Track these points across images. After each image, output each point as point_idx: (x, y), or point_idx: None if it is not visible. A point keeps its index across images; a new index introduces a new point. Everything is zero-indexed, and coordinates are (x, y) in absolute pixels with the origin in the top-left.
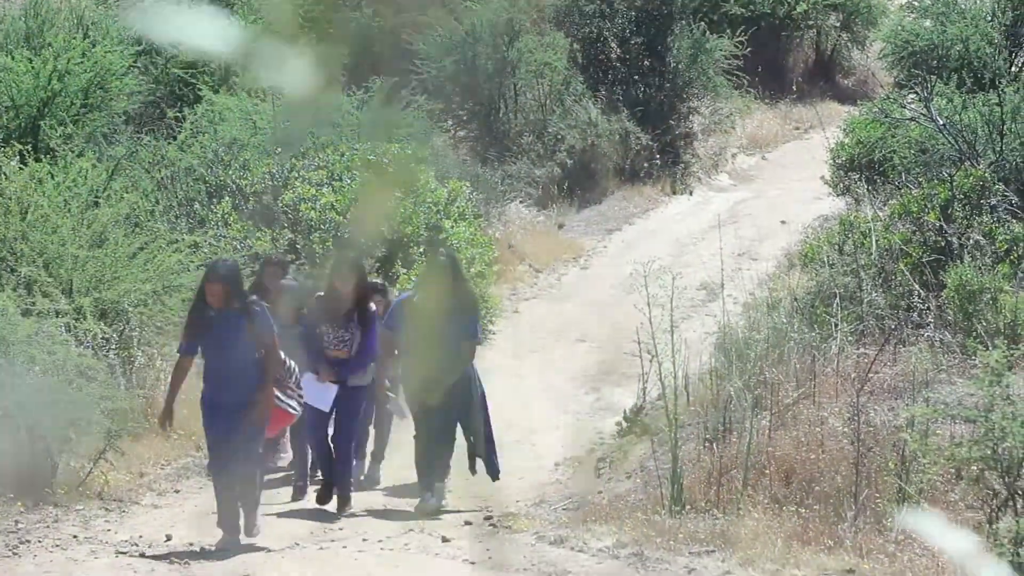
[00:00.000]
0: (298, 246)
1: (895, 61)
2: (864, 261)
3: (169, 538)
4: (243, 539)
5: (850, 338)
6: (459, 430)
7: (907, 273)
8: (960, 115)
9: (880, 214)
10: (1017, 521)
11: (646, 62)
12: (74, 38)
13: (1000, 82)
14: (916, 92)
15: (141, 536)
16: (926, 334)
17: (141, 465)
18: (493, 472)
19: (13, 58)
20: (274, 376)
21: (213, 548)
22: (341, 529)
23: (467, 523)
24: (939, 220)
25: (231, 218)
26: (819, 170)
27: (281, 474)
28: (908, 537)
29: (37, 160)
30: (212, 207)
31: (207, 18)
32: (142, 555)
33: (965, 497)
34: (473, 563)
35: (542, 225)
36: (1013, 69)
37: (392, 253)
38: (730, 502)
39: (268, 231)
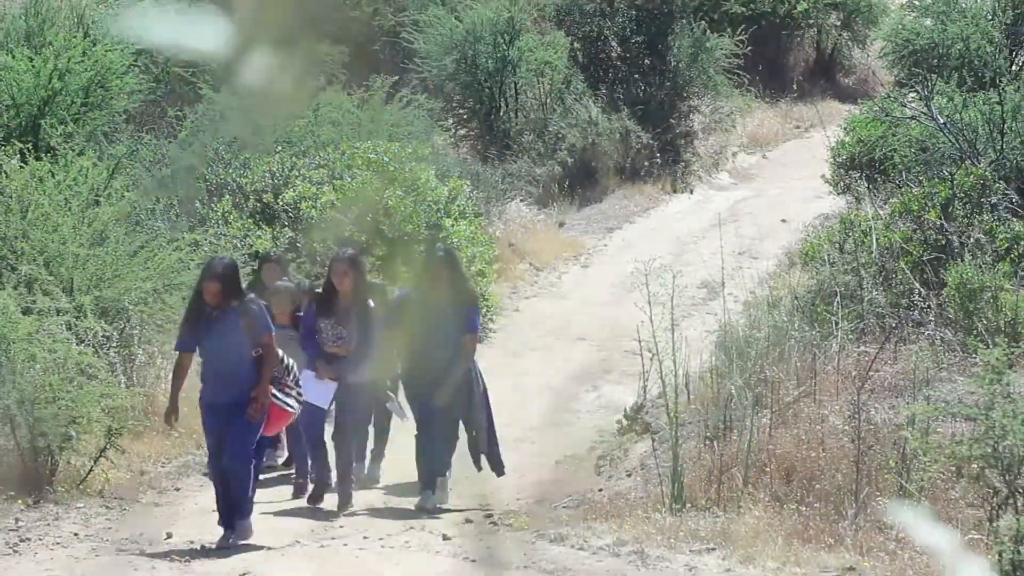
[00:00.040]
0: (299, 244)
1: (896, 60)
2: (865, 259)
3: (170, 536)
4: (232, 539)
5: (851, 336)
6: (461, 427)
7: (908, 271)
8: (961, 114)
9: (881, 212)
10: (1017, 519)
11: (647, 61)
12: (75, 37)
13: (1001, 81)
14: (917, 91)
15: (142, 534)
16: (927, 332)
17: (142, 463)
18: (498, 469)
19: (14, 57)
20: (271, 374)
21: (213, 546)
22: (342, 527)
23: (468, 521)
24: (940, 218)
25: (231, 216)
26: (820, 169)
27: (276, 473)
28: (908, 535)
29: (38, 159)
30: (212, 205)
31: (203, 20)
32: (143, 553)
33: (966, 495)
34: (474, 561)
35: (543, 224)
36: (1014, 68)
37: (393, 251)
38: (731, 500)
39: (269, 229)
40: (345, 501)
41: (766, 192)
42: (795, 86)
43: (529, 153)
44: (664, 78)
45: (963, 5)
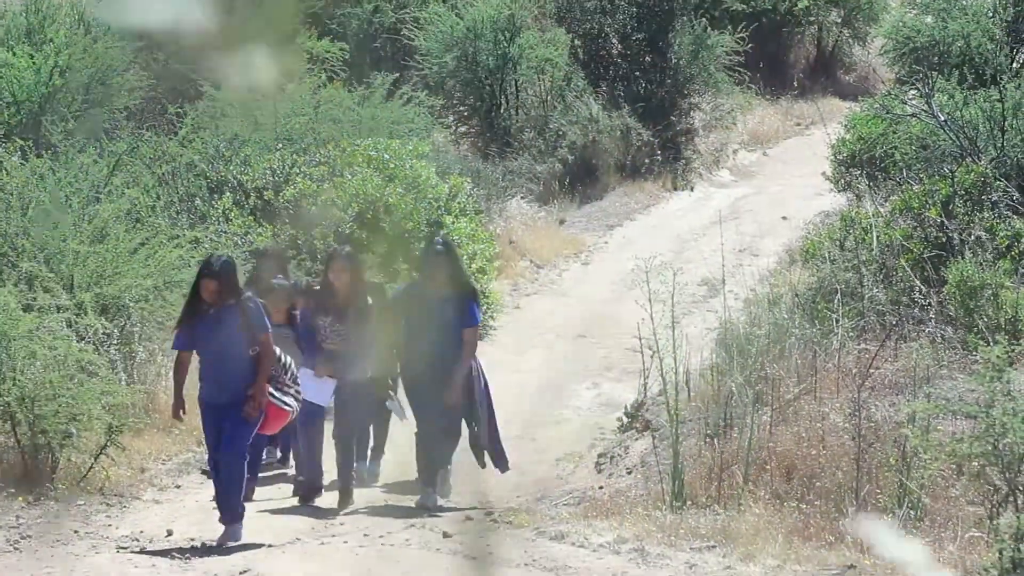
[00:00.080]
0: (299, 241)
1: (896, 57)
2: (865, 257)
3: (170, 533)
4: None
5: (851, 334)
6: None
7: (908, 269)
8: (961, 111)
9: (881, 210)
10: (1018, 517)
11: (647, 58)
12: (75, 34)
13: (1001, 78)
14: (917, 88)
15: (142, 531)
16: (927, 330)
17: (142, 460)
18: (501, 465)
19: (14, 54)
20: (268, 372)
21: (214, 543)
22: (342, 524)
23: (468, 518)
24: (940, 216)
25: (232, 214)
26: (820, 166)
27: (272, 472)
28: (909, 533)
29: (38, 156)
30: (213, 203)
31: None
32: (143, 550)
33: (966, 493)
34: (474, 558)
35: (543, 221)
36: (1014, 65)
37: (393, 249)
38: (731, 498)
39: (269, 227)
40: (346, 499)
41: (767, 189)
42: (796, 83)
43: (530, 150)
44: (665, 75)
45: (964, 2)
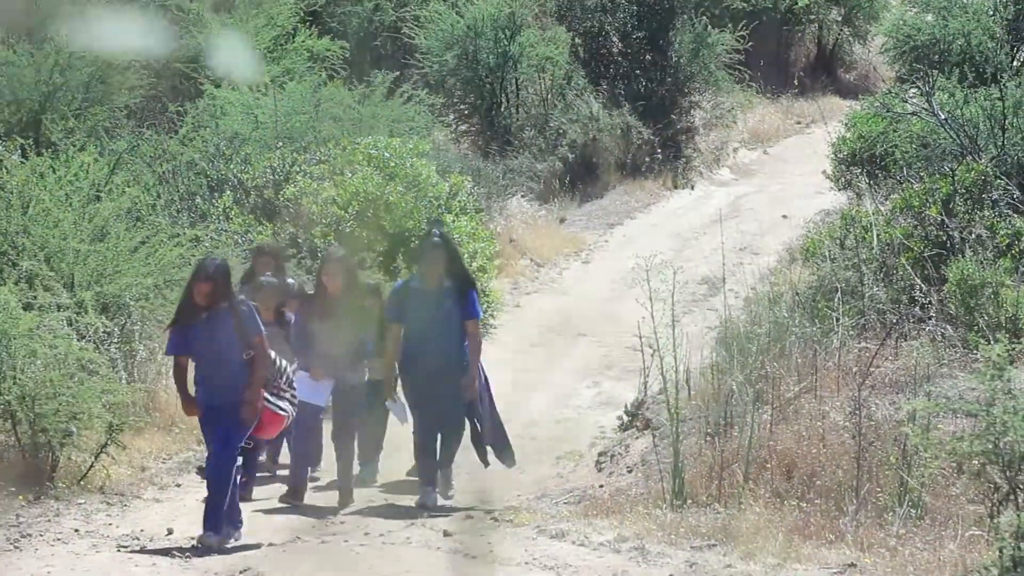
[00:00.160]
0: (300, 240)
1: (897, 56)
2: (865, 255)
3: (170, 532)
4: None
5: (851, 332)
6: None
7: (908, 267)
8: (962, 110)
9: (881, 208)
10: (1018, 515)
11: (648, 56)
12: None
13: (1002, 76)
14: (918, 87)
15: (142, 530)
16: (927, 328)
17: (142, 459)
18: (508, 460)
19: (15, 52)
20: (263, 375)
21: (193, 540)
22: (343, 523)
23: (468, 517)
24: (941, 214)
25: (232, 212)
26: (820, 164)
27: (267, 473)
28: (909, 531)
29: (39, 154)
30: (213, 201)
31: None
32: (143, 549)
33: (966, 491)
34: (475, 557)
35: (543, 219)
36: (1015, 63)
37: (393, 247)
38: (731, 496)
39: (269, 225)
40: (346, 498)
41: (767, 188)
42: (796, 82)
43: (530, 149)
44: (665, 74)
45: (964, 1)
